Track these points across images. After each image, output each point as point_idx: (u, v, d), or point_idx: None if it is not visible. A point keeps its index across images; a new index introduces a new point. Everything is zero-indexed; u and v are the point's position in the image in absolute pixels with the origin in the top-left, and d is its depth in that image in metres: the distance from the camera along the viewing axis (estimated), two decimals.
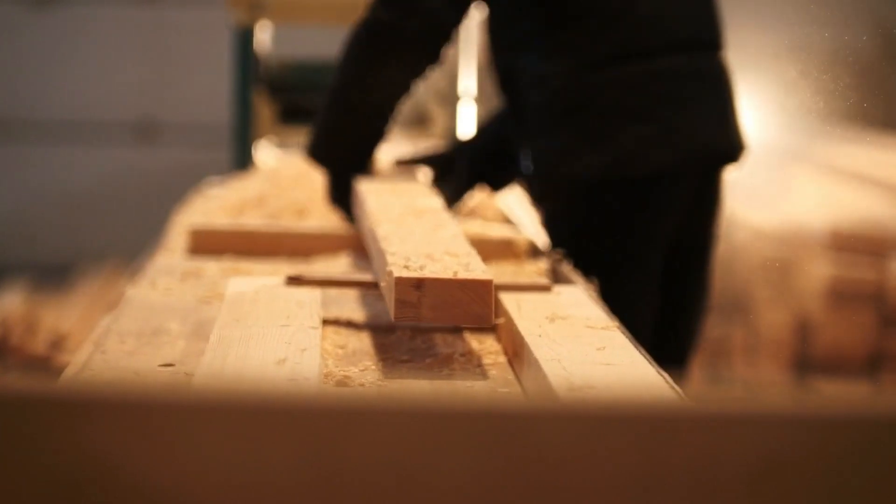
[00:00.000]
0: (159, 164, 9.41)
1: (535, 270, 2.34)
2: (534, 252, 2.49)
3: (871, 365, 4.88)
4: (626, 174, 2.59)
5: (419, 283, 1.75)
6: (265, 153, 3.62)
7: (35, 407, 0.98)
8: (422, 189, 2.57)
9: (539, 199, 2.72)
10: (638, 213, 2.64)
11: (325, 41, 7.85)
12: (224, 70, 3.56)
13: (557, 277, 2.28)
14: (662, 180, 2.62)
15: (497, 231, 2.53)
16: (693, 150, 2.61)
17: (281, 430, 0.97)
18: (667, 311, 2.77)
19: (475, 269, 1.81)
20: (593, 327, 1.77)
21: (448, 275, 1.76)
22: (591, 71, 2.60)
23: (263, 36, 3.59)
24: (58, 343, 5.92)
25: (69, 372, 1.67)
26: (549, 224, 2.70)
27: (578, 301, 1.95)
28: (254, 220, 2.84)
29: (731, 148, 2.69)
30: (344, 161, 2.66)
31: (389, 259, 1.84)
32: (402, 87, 2.63)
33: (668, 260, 2.74)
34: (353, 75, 2.64)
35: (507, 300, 1.91)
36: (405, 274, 1.76)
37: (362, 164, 2.65)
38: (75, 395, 0.98)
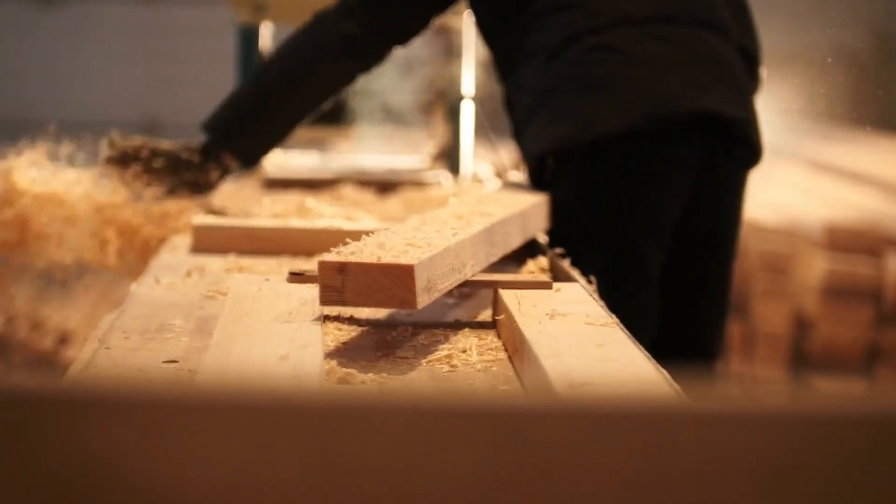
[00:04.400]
0: None
1: (536, 267, 2.36)
2: (534, 249, 2.51)
3: (867, 361, 4.88)
4: (587, 138, 2.61)
5: (342, 267, 1.78)
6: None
7: (38, 405, 0.98)
8: (512, 200, 2.56)
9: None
10: (624, 189, 2.64)
11: None
12: (229, 69, 3.55)
13: (557, 274, 2.29)
14: (635, 147, 2.62)
15: None
16: (648, 107, 2.61)
17: (283, 428, 0.97)
18: (682, 302, 2.78)
19: (407, 255, 1.82)
20: (593, 324, 1.78)
21: (372, 259, 1.78)
22: (552, 59, 2.65)
23: (267, 35, 3.60)
24: (63, 339, 5.92)
25: (74, 369, 1.68)
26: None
27: (578, 298, 1.96)
28: (258, 217, 2.86)
29: (703, 106, 2.64)
30: (234, 135, 2.70)
31: (346, 244, 1.87)
32: (327, 84, 2.71)
33: (677, 249, 2.74)
34: (283, 58, 2.72)
35: (508, 297, 1.92)
36: (329, 258, 1.79)
37: (255, 147, 2.68)
38: (78, 393, 0.98)
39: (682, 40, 2.66)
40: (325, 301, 1.79)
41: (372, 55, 2.74)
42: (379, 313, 2.00)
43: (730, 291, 2.86)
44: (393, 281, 1.78)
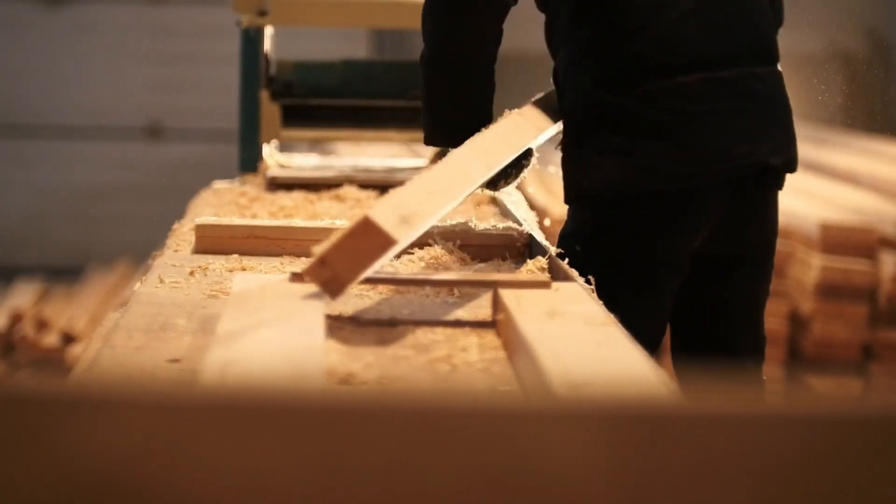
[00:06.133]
0: (168, 163, 9.39)
1: (535, 267, 2.37)
2: (533, 249, 2.52)
3: (862, 360, 4.89)
4: (639, 188, 2.62)
5: (321, 261, 1.88)
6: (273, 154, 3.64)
7: (41, 406, 0.99)
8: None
9: (567, 202, 2.76)
10: (648, 230, 2.65)
11: (330, 43, 7.86)
12: (234, 71, 3.56)
13: (556, 274, 2.31)
14: (676, 197, 2.63)
15: (497, 228, 2.57)
16: (705, 164, 2.62)
17: (284, 428, 0.98)
18: (707, 326, 2.77)
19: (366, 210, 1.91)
20: (592, 324, 1.79)
21: (335, 237, 1.88)
22: (611, 86, 2.64)
23: (270, 37, 3.60)
24: (69, 338, 5.93)
25: (79, 368, 1.70)
26: (566, 234, 2.72)
27: (577, 297, 1.97)
28: (261, 217, 2.88)
29: (756, 160, 2.66)
30: (452, 130, 2.67)
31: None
32: (488, 32, 2.68)
33: (700, 272, 2.73)
34: (440, 36, 2.71)
35: (507, 296, 1.94)
36: (306, 264, 1.90)
37: (469, 128, 2.62)
38: (81, 394, 0.99)
39: (741, 84, 2.67)
40: (333, 294, 1.87)
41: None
42: (380, 312, 2.02)
43: (759, 314, 2.82)
44: (365, 237, 1.89)
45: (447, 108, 2.72)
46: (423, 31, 2.73)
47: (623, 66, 2.63)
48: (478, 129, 2.57)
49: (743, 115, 2.65)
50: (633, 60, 2.63)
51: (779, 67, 2.75)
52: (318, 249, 1.89)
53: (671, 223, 2.65)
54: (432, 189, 2.15)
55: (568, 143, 2.70)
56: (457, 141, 2.52)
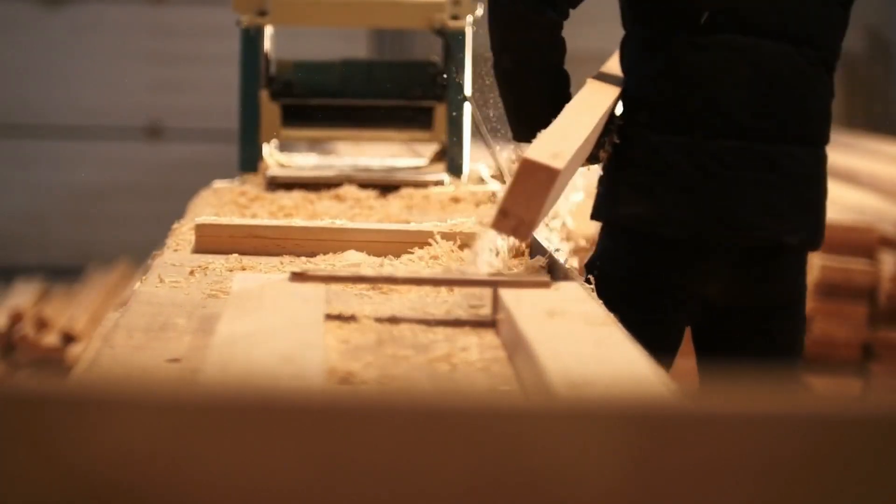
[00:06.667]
0: (168, 163, 9.40)
1: (535, 266, 2.37)
2: (533, 249, 2.52)
3: (862, 359, 4.89)
4: (655, 231, 2.75)
5: (503, 213, 2.17)
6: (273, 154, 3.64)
7: (41, 406, 0.99)
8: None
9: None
10: (657, 269, 2.77)
11: (330, 43, 7.84)
12: (234, 71, 3.55)
13: (556, 273, 2.31)
14: (687, 245, 2.75)
15: None
16: (719, 226, 2.73)
17: (284, 427, 0.98)
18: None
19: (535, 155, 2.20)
20: (592, 323, 1.79)
21: (507, 188, 2.18)
22: (657, 129, 2.75)
23: (270, 37, 3.60)
24: (69, 338, 5.93)
25: (79, 367, 1.70)
26: (592, 261, 2.85)
27: (577, 297, 1.98)
28: (261, 217, 2.88)
29: (770, 235, 2.76)
30: (530, 128, 2.71)
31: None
32: (540, 42, 2.78)
33: (714, 328, 2.84)
34: (496, 47, 2.83)
35: (507, 296, 1.94)
36: (492, 220, 2.19)
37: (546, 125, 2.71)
38: (81, 394, 0.99)
39: (778, 160, 2.76)
40: (524, 237, 2.26)
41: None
42: (380, 312, 2.02)
43: (790, 367, 2.90)
44: (530, 177, 2.17)
45: (518, 111, 2.84)
46: (490, 43, 2.87)
47: (671, 115, 2.74)
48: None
49: (771, 189, 2.76)
50: (680, 112, 2.73)
51: (825, 150, 2.86)
52: (497, 205, 2.17)
53: (681, 267, 2.77)
54: (568, 124, 2.41)
55: (609, 167, 2.82)
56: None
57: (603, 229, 2.86)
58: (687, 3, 2.73)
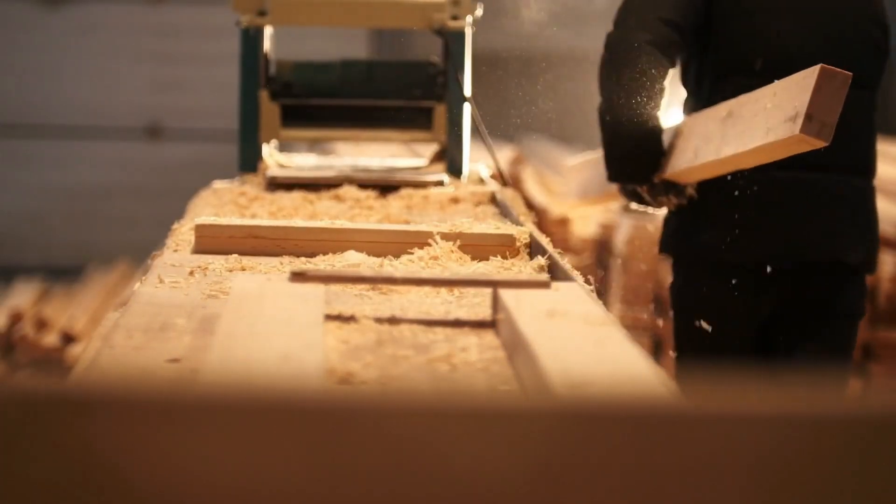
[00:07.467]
0: (168, 163, 9.40)
1: (535, 267, 2.37)
2: (533, 249, 2.53)
3: (861, 360, 4.89)
4: (718, 259, 3.03)
5: (808, 116, 2.48)
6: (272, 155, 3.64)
7: (42, 406, 0.99)
8: None
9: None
10: (721, 295, 3.05)
11: (330, 43, 7.84)
12: (234, 71, 3.56)
13: (556, 274, 2.31)
14: (749, 274, 3.02)
15: (497, 228, 2.57)
16: (779, 249, 3.01)
17: (284, 427, 0.98)
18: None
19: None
20: (591, 323, 1.79)
21: (805, 96, 2.53)
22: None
23: (270, 37, 3.60)
24: (69, 338, 5.93)
25: (79, 367, 1.70)
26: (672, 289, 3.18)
27: (577, 297, 1.98)
28: (260, 217, 2.88)
29: (829, 253, 3.03)
30: (638, 171, 3.06)
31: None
32: (647, 92, 3.01)
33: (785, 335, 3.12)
34: (606, 95, 3.07)
35: (507, 296, 1.94)
36: (801, 126, 2.51)
37: (652, 166, 3.05)
38: (83, 393, 0.99)
39: (830, 188, 3.04)
40: (827, 138, 2.56)
41: (671, 46, 3.09)
42: (380, 312, 2.02)
43: (842, 372, 3.18)
44: (828, 82, 2.52)
45: (620, 153, 3.08)
46: (599, 89, 3.11)
47: None
48: (651, 165, 3.02)
49: (826, 215, 3.03)
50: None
51: (874, 182, 3.12)
52: (801, 110, 2.53)
53: (741, 293, 3.04)
54: None
55: (685, 204, 3.09)
56: (633, 177, 3.03)
57: (674, 260, 3.13)
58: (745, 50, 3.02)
